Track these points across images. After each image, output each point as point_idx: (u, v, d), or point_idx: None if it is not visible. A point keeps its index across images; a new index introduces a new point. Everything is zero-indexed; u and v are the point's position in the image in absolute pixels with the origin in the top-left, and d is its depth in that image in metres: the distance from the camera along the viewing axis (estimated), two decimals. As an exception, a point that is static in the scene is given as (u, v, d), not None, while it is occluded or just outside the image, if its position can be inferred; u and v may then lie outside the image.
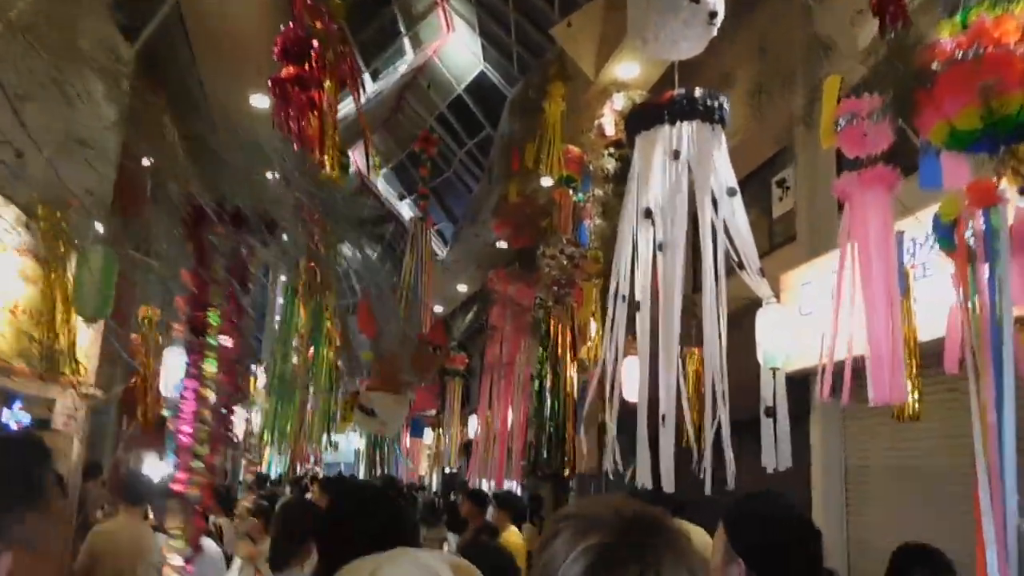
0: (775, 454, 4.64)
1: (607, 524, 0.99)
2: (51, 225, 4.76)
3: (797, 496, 6.88)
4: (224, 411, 2.95)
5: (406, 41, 14.76)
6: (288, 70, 5.28)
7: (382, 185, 20.36)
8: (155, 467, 7.39)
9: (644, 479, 4.57)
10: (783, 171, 8.46)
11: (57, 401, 6.51)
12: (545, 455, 8.80)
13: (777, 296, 5.63)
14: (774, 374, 5.04)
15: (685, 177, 5.16)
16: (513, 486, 12.46)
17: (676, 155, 5.26)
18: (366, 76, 14.63)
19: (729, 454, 4.40)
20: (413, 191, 10.81)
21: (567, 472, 8.21)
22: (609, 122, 9.53)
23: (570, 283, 8.73)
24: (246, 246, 2.79)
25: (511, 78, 13.97)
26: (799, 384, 6.72)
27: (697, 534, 4.11)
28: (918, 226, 4.05)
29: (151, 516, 5.82)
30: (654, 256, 5.09)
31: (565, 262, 8.62)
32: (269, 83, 5.28)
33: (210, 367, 2.95)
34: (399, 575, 1.32)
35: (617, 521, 0.99)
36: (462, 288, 18.57)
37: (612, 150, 9.45)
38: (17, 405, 6.15)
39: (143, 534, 4.91)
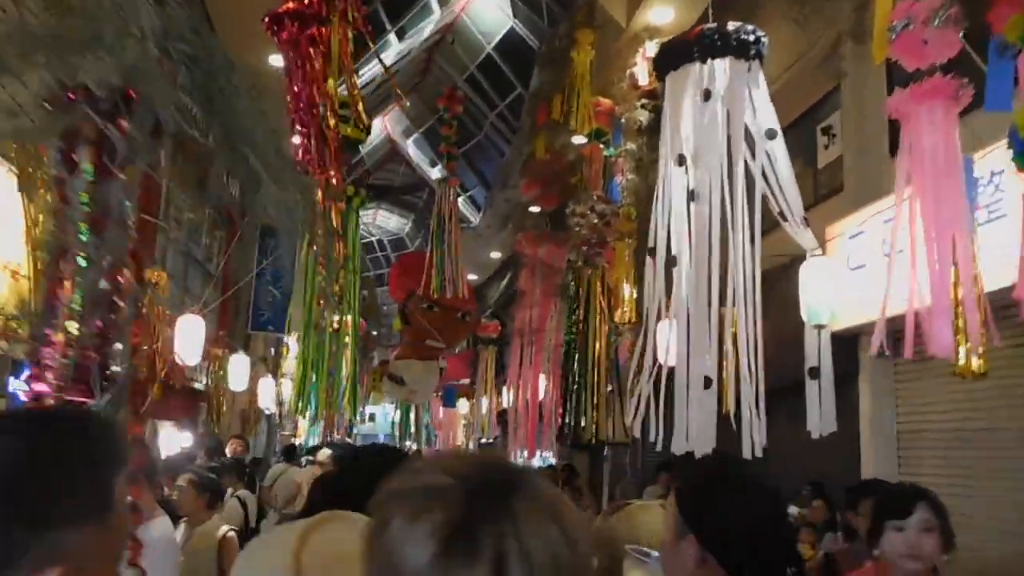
0: (819, 418, 4.26)
1: (447, 494, 0.82)
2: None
3: (844, 464, 6.43)
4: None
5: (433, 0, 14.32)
6: (288, 4, 4.89)
7: (413, 151, 20.01)
8: (171, 439, 7.21)
9: (678, 446, 4.25)
10: (828, 118, 7.90)
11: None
12: (578, 423, 8.47)
13: (823, 250, 5.22)
14: (819, 332, 4.63)
15: (719, 119, 4.73)
16: (548, 456, 12.16)
17: (707, 95, 4.85)
18: (391, 36, 14.20)
19: (759, 418, 4.02)
20: (455, 170, 10.50)
21: (597, 440, 7.84)
22: (642, 71, 9.03)
23: (601, 242, 8.30)
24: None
25: (542, 34, 13.45)
26: (846, 343, 6.26)
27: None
28: (981, 164, 3.57)
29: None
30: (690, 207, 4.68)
31: (596, 220, 8.17)
32: (265, 20, 4.90)
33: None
34: (331, 538, 1.23)
35: (459, 488, 0.82)
36: (495, 255, 18.21)
37: (645, 101, 8.97)
38: (25, 373, 5.92)
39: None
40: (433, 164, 19.01)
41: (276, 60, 10.05)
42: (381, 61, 7.40)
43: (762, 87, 4.72)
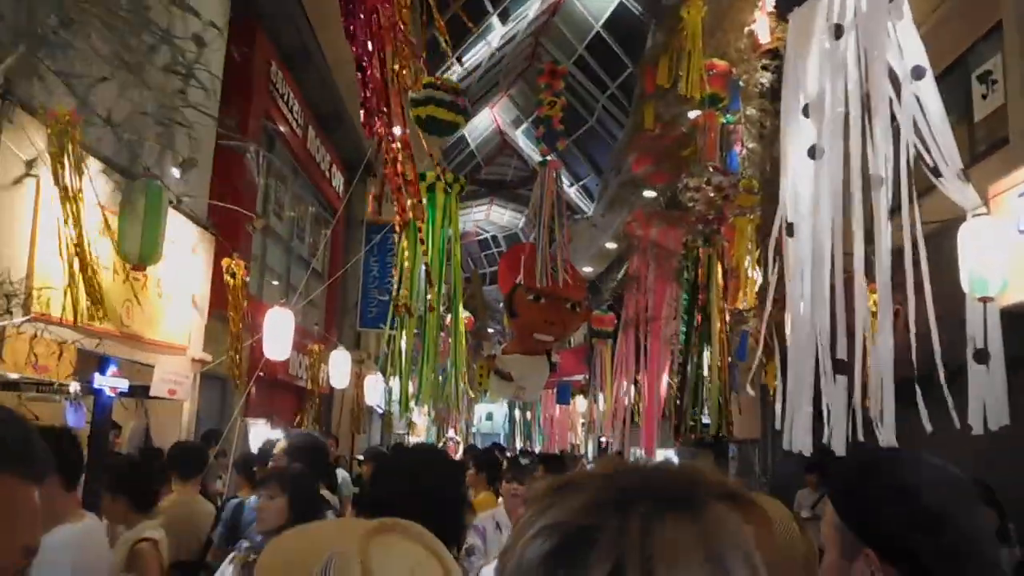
0: (984, 410, 3.45)
1: (582, 494, 0.69)
2: (60, 142, 4.10)
3: (1018, 465, 5.41)
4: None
5: (536, -23, 13.78)
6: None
7: (523, 142, 19.52)
8: (261, 433, 6.91)
9: (801, 442, 3.58)
10: (987, 62, 6.79)
11: (157, 366, 6.07)
12: (699, 418, 7.69)
13: (987, 209, 4.38)
14: (984, 306, 3.81)
15: (851, 60, 4.00)
16: (667, 454, 11.35)
17: (838, 31, 4.15)
18: (494, 19, 13.71)
19: (889, 408, 3.28)
20: (559, 152, 9.89)
21: (721, 437, 7.04)
22: (762, 27, 8.12)
23: (720, 219, 7.47)
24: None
25: (654, 8, 12.64)
26: (1017, 320, 5.23)
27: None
28: None
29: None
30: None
31: (712, 194, 7.35)
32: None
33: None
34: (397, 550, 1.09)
35: (597, 489, 0.69)
36: (610, 245, 17.44)
37: (767, 61, 8.05)
38: (111, 370, 5.72)
39: (196, 508, 4.30)
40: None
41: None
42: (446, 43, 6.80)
43: (906, 17, 3.93)
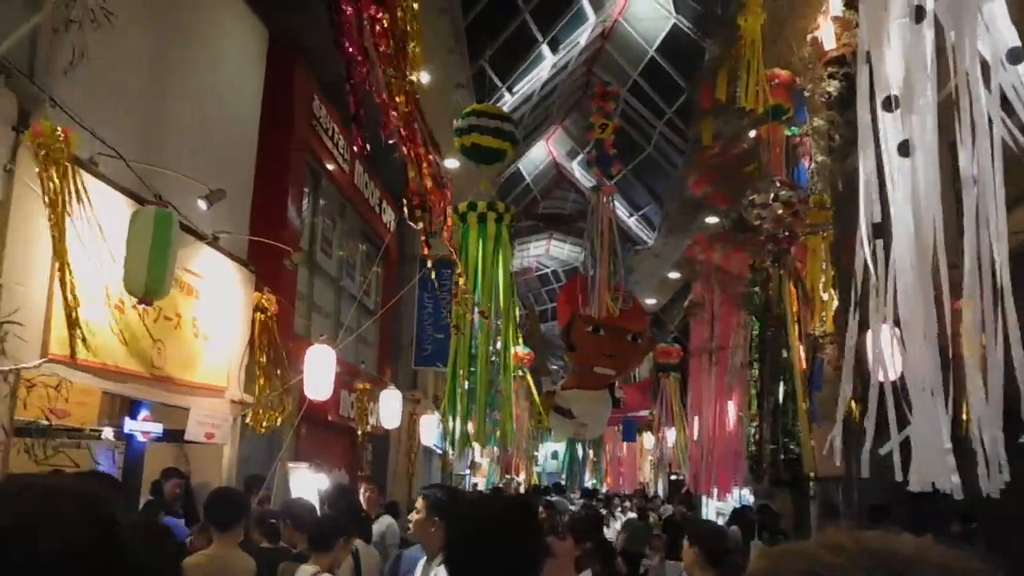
0: None
1: None
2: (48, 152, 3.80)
3: None
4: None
5: (585, 4, 13.42)
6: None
7: (580, 174, 19.15)
8: (304, 480, 6.54)
9: (922, 480, 3.04)
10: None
11: (192, 409, 5.78)
12: (776, 455, 7.07)
13: None
14: None
15: (933, 44, 3.48)
16: (743, 495, 10.64)
17: (919, 13, 3.62)
18: (544, 47, 13.43)
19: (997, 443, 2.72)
20: (613, 176, 9.45)
21: (801, 475, 6.41)
22: (828, 33, 7.61)
23: (790, 237, 6.91)
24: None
25: (709, 27, 12.19)
26: None
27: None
28: None
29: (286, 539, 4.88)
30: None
31: (780, 211, 6.79)
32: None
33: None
34: None
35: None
36: (673, 275, 16.85)
37: (834, 68, 7.52)
38: (143, 414, 5.46)
39: (234, 564, 3.90)
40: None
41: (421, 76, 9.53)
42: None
43: (997, -7, 3.42)
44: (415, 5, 4.13)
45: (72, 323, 3.90)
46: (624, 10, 14.00)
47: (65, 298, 3.90)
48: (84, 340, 4.10)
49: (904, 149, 3.44)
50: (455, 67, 9.97)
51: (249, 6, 7.32)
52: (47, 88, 4.49)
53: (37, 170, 3.80)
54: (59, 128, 3.81)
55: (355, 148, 4.53)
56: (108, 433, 5.44)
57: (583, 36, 14.16)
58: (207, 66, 6.64)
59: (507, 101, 13.06)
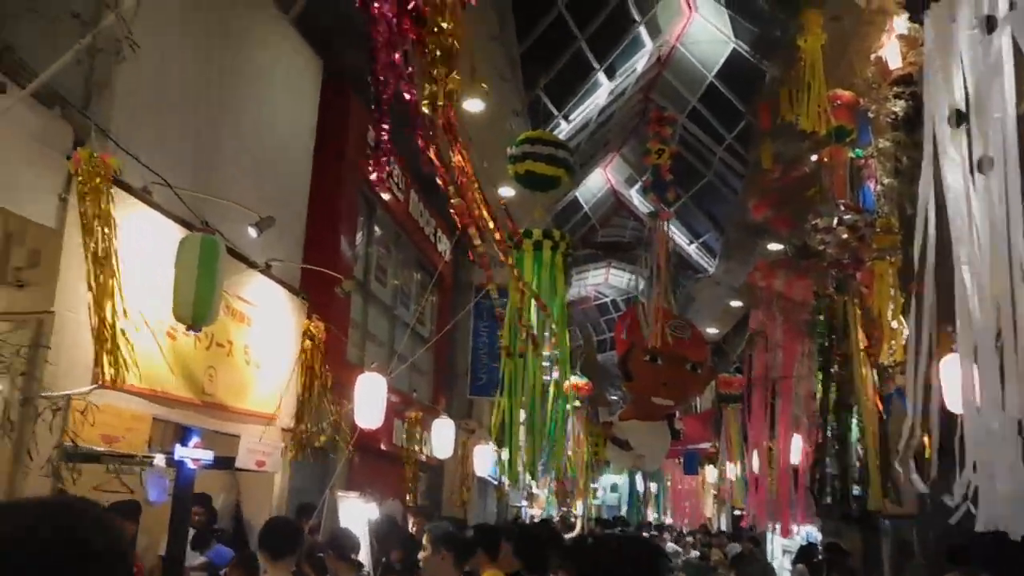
0: None
1: None
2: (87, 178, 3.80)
3: None
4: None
5: (642, 30, 13.33)
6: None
7: (638, 201, 18.94)
8: (354, 510, 6.45)
9: (991, 519, 2.83)
10: None
11: (243, 436, 5.76)
12: (844, 491, 6.74)
13: None
14: None
15: (1009, 54, 3.35)
16: (809, 532, 10.20)
17: (990, 24, 3.47)
18: (600, 75, 13.35)
19: None
20: (670, 203, 9.29)
21: (871, 511, 6.09)
22: (892, 51, 7.36)
23: (855, 263, 6.63)
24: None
25: (768, 51, 11.97)
26: None
27: None
28: None
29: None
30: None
31: (845, 235, 6.54)
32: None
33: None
34: None
35: None
36: (735, 303, 16.46)
37: (899, 88, 7.25)
38: (193, 441, 5.45)
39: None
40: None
41: (470, 106, 9.55)
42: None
43: (1075, 0, 3.23)
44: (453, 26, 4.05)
45: (109, 349, 3.89)
46: (682, 35, 13.86)
47: (102, 324, 3.90)
48: (126, 366, 4.10)
49: (981, 166, 3.25)
50: (510, 95, 9.95)
51: (304, 38, 7.42)
52: (102, 119, 4.57)
53: (76, 197, 3.83)
54: (96, 154, 3.83)
55: (374, 177, 4.43)
56: (159, 460, 5.45)
57: (640, 62, 14.05)
58: (262, 97, 6.73)
59: (563, 129, 13.00)
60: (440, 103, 3.53)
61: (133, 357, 4.22)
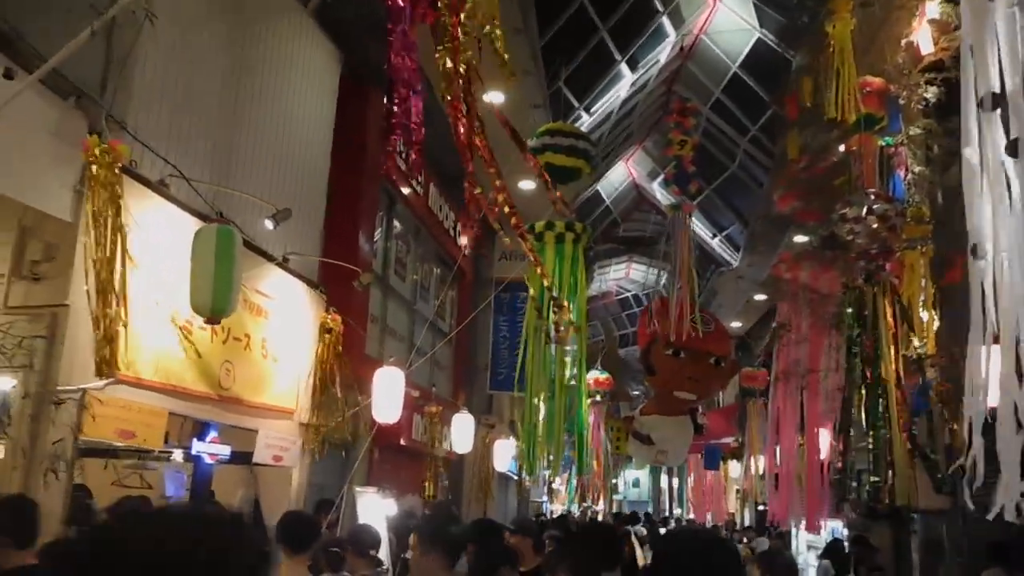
0: None
1: None
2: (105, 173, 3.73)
3: None
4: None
5: (665, 21, 13.15)
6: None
7: (661, 195, 18.74)
8: (372, 505, 6.40)
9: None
10: None
11: (260, 431, 5.72)
12: (874, 485, 6.58)
13: None
14: None
15: None
16: (835, 528, 10.04)
17: None
18: (622, 66, 13.19)
19: None
20: (692, 195, 9.10)
21: (900, 506, 5.94)
22: (924, 37, 7.16)
23: (885, 253, 6.46)
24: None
25: (794, 40, 11.75)
26: None
27: None
28: None
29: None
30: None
31: (875, 225, 6.36)
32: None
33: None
34: None
35: None
36: (760, 297, 16.24)
37: (931, 74, 7.05)
38: (211, 435, 5.41)
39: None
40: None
41: (491, 98, 9.44)
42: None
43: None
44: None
45: (110, 340, 3.83)
46: (707, 26, 13.66)
47: (104, 316, 3.84)
48: (125, 360, 4.05)
49: (1014, 148, 3.10)
50: (532, 87, 9.84)
51: (324, 31, 7.35)
52: (118, 111, 4.52)
53: (84, 185, 3.77)
54: (106, 141, 3.77)
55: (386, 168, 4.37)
56: (177, 455, 5.42)
57: (663, 54, 13.86)
58: (281, 89, 6.67)
59: (585, 121, 12.86)
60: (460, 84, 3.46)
61: (134, 350, 4.17)
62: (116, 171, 3.70)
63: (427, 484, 8.57)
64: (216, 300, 3.94)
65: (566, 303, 6.55)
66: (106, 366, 3.82)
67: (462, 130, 4.07)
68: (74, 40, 3.37)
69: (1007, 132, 3.11)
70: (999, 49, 3.26)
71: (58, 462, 3.85)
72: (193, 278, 4.04)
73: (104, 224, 3.72)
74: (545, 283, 6.67)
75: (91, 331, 4.13)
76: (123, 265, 3.95)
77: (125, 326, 3.98)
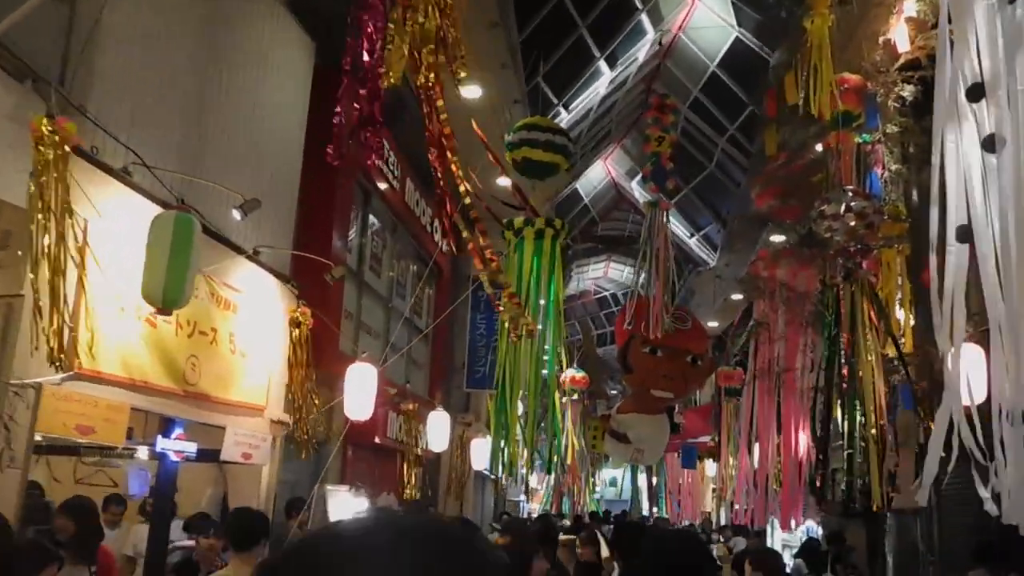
0: None
1: None
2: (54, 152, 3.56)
3: None
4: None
5: (644, 18, 13.09)
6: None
7: (639, 194, 18.72)
8: (343, 504, 6.27)
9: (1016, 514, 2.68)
10: None
11: (228, 428, 5.57)
12: (849, 484, 6.56)
13: None
14: None
15: None
16: (809, 527, 10.04)
17: None
18: (601, 63, 13.13)
19: None
20: (670, 192, 9.04)
21: (875, 506, 5.91)
22: (901, 35, 7.15)
23: (863, 250, 6.43)
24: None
25: (772, 39, 11.74)
26: None
27: None
28: None
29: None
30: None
31: (853, 222, 6.33)
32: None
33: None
34: None
35: None
36: (737, 297, 16.25)
37: (908, 72, 7.04)
38: (176, 432, 5.27)
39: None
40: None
41: (468, 92, 9.34)
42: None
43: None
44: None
45: (58, 331, 3.68)
46: (685, 24, 13.64)
47: (54, 304, 3.69)
48: (76, 351, 3.91)
49: (990, 144, 3.05)
50: (509, 83, 9.74)
51: (298, 20, 7.21)
52: (79, 95, 4.38)
53: (31, 167, 3.61)
54: (53, 119, 3.62)
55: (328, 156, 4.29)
56: (141, 452, 5.27)
57: (641, 51, 13.83)
58: (253, 80, 6.52)
59: (564, 118, 12.78)
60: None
61: (93, 343, 4.03)
62: (64, 150, 3.55)
63: (403, 482, 8.44)
64: (168, 290, 3.80)
65: (520, 302, 6.44)
66: (54, 357, 3.67)
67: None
68: (19, 9, 3.23)
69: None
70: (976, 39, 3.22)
71: (10, 457, 3.69)
72: (147, 266, 3.90)
73: (52, 207, 3.56)
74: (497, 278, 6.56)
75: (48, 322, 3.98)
76: (81, 253, 3.80)
77: (74, 316, 3.83)
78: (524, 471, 8.95)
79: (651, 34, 13.53)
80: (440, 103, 4.48)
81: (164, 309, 4.01)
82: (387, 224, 10.17)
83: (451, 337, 12.12)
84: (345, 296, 8.29)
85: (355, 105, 4.19)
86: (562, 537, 6.22)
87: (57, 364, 3.66)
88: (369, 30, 4.02)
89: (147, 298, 3.95)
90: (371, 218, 9.58)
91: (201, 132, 5.72)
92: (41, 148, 3.44)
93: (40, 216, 3.50)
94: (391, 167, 9.53)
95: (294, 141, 7.14)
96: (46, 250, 3.54)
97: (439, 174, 4.54)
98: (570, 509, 15.48)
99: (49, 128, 3.48)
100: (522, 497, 15.59)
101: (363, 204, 9.27)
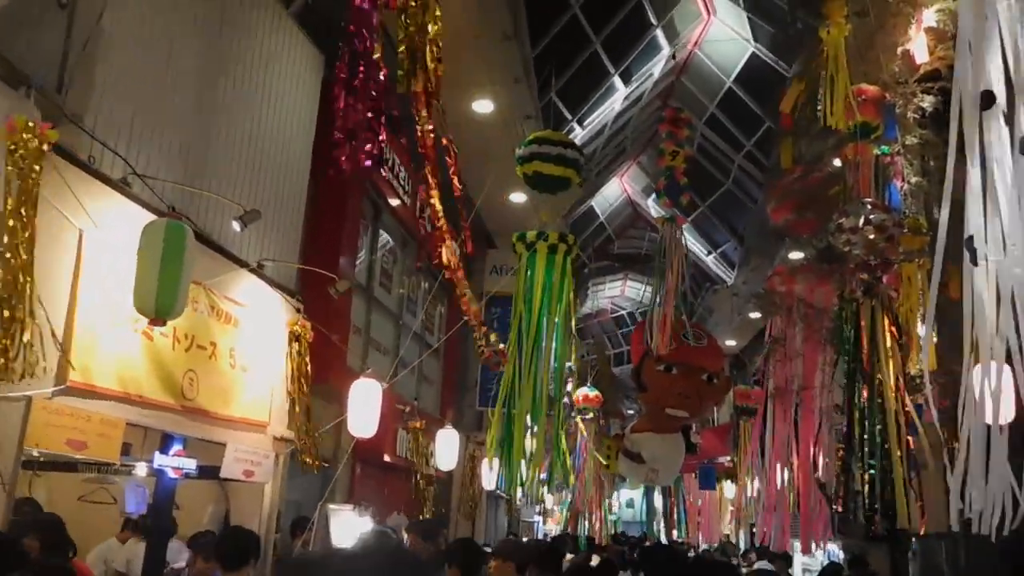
0: None
1: None
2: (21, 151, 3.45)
3: None
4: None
5: (659, 33, 13.00)
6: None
7: (656, 212, 18.56)
8: (347, 524, 6.12)
9: None
10: None
11: (229, 445, 5.45)
12: (870, 507, 6.33)
13: None
14: None
15: None
16: (831, 550, 9.76)
17: None
18: (616, 79, 13.03)
19: None
20: (684, 207, 8.88)
21: (898, 529, 5.69)
22: (920, 46, 6.99)
23: (883, 265, 6.23)
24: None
25: (789, 54, 11.61)
26: None
27: None
28: None
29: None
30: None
31: (872, 236, 6.12)
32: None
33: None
34: None
35: None
36: (755, 315, 16.01)
37: (928, 83, 6.88)
38: (175, 448, 5.15)
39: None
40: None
41: (480, 106, 9.27)
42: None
43: None
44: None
45: (11, 339, 3.56)
46: (701, 40, 13.53)
47: (32, 316, 3.59)
48: (43, 362, 3.80)
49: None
50: (522, 97, 9.65)
51: (307, 32, 7.16)
52: (77, 103, 4.31)
53: (8, 169, 3.51)
54: (32, 122, 3.53)
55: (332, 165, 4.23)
56: (139, 468, 5.16)
57: (657, 67, 13.73)
58: (260, 91, 6.45)
59: (578, 134, 12.70)
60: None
61: (86, 355, 3.93)
62: (44, 151, 3.46)
63: (413, 502, 8.27)
64: (160, 300, 3.70)
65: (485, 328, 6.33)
66: (82, 374, 3.57)
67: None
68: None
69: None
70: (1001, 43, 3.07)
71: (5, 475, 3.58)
72: (138, 275, 3.80)
73: (23, 212, 3.46)
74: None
75: (45, 333, 3.88)
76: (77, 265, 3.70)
77: (67, 328, 3.73)
78: (526, 490, 8.77)
79: (666, 49, 13.43)
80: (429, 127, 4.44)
81: (157, 319, 3.90)
82: (398, 240, 10.08)
83: (465, 356, 11.98)
84: (354, 312, 8.18)
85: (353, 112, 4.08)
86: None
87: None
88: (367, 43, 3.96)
89: (139, 308, 3.84)
90: (382, 233, 9.49)
91: (205, 143, 5.65)
92: (15, 151, 3.35)
93: (12, 221, 3.39)
94: (402, 183, 9.45)
95: (301, 154, 7.06)
96: (9, 251, 3.44)
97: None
98: (586, 531, 15.21)
99: (26, 130, 3.39)
100: (537, 517, 15.33)
101: (373, 219, 9.19)
